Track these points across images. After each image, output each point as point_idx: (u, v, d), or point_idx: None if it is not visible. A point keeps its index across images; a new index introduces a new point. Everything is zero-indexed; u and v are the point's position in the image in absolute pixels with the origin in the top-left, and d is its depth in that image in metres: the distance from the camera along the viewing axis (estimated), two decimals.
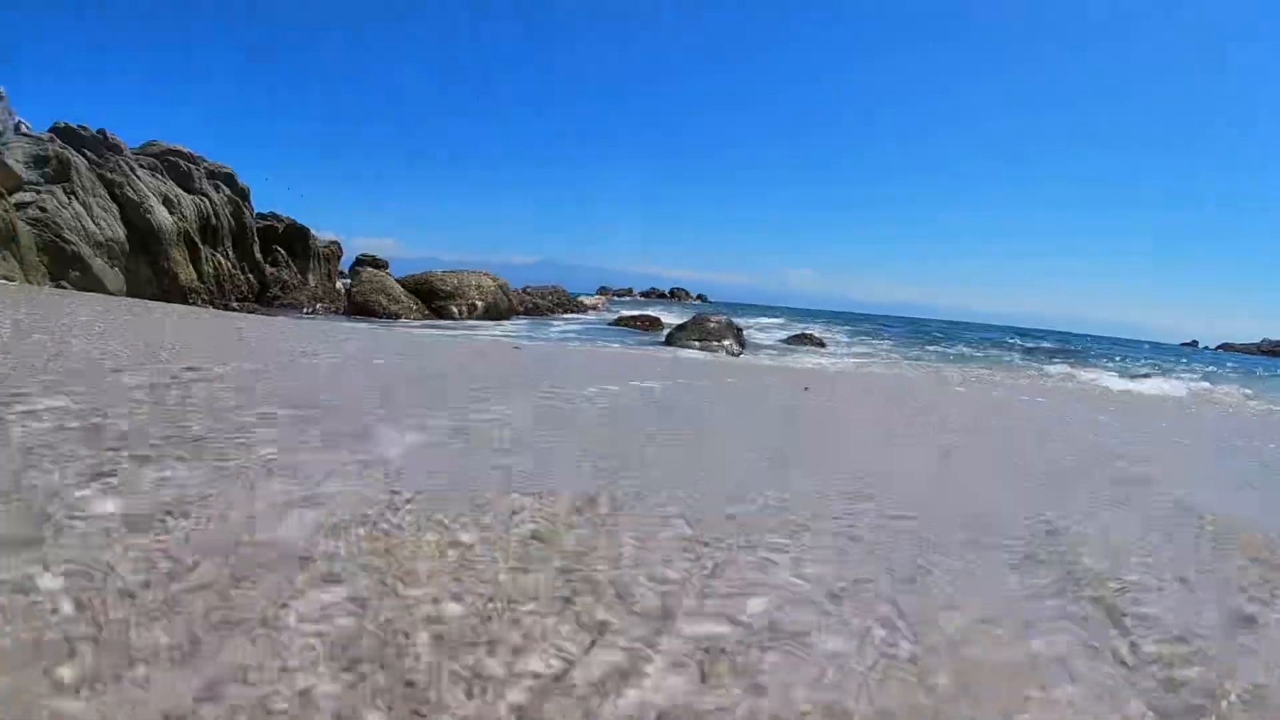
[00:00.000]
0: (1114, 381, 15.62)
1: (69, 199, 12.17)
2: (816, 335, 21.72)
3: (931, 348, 22.05)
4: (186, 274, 15.00)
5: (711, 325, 18.33)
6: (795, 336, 21.51)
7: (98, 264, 12.56)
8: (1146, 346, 39.97)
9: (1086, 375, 16.64)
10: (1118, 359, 22.96)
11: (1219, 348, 49.65)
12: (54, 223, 11.78)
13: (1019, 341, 27.57)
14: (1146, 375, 18.10)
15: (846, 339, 24.15)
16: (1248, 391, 14.76)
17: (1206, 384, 16.67)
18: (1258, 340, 47.70)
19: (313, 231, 21.04)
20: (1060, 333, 48.42)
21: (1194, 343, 54.30)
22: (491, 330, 16.76)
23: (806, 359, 16.23)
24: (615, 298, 36.21)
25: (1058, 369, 18.17)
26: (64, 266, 11.80)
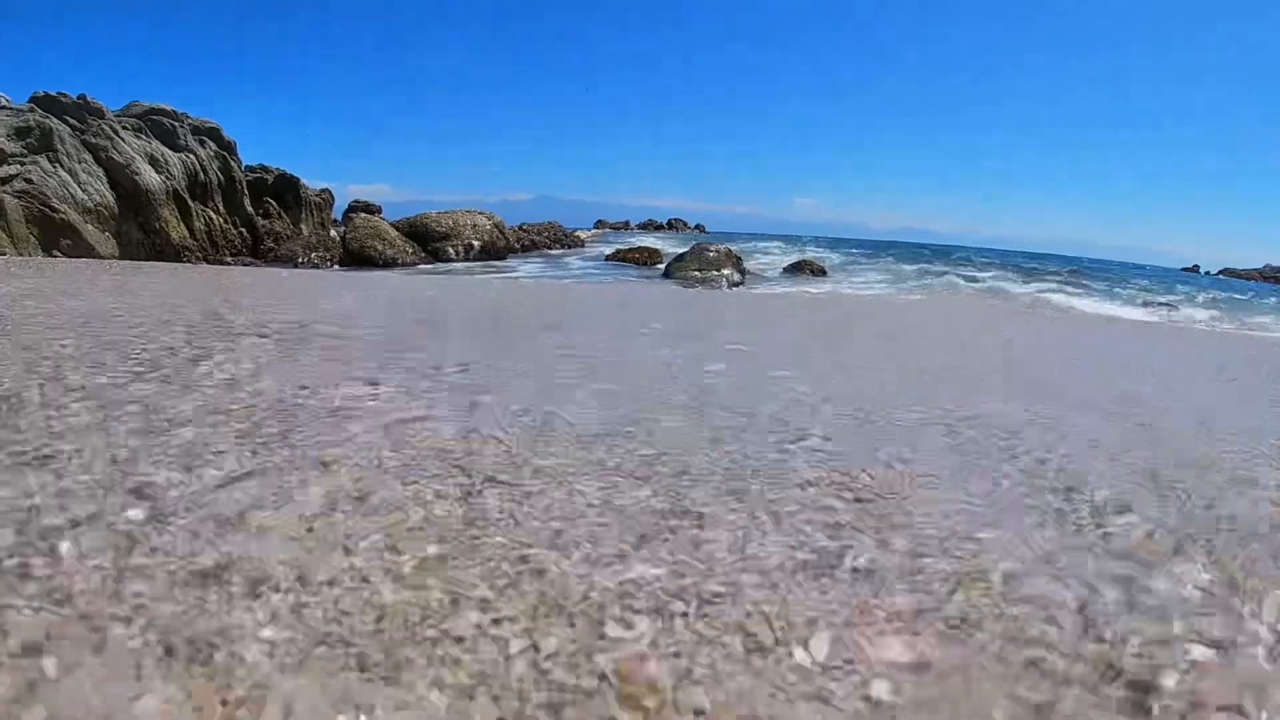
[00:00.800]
0: (1085, 304, 15.87)
1: (54, 167, 12.17)
2: (816, 263, 21.71)
3: (927, 276, 22.10)
4: (178, 232, 15.05)
5: (710, 255, 18.33)
6: (794, 265, 21.50)
7: (89, 230, 12.63)
8: (1147, 270, 39.87)
9: (1060, 299, 17.04)
10: (1103, 284, 22.98)
11: (1220, 272, 49.42)
12: (41, 193, 11.82)
13: (1021, 265, 27.59)
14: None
15: (842, 264, 24.26)
16: (1214, 314, 15.14)
17: (1169, 307, 17.03)
18: (1259, 266, 47.34)
19: (303, 181, 20.94)
20: (1070, 258, 48.15)
21: (1195, 268, 53.95)
22: (518, 270, 16.96)
23: (808, 288, 16.42)
24: (612, 231, 36.03)
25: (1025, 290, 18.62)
26: (54, 236, 11.89)
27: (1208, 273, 50.47)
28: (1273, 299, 22.96)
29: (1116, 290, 21.43)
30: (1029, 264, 28.10)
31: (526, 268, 20.52)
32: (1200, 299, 20.23)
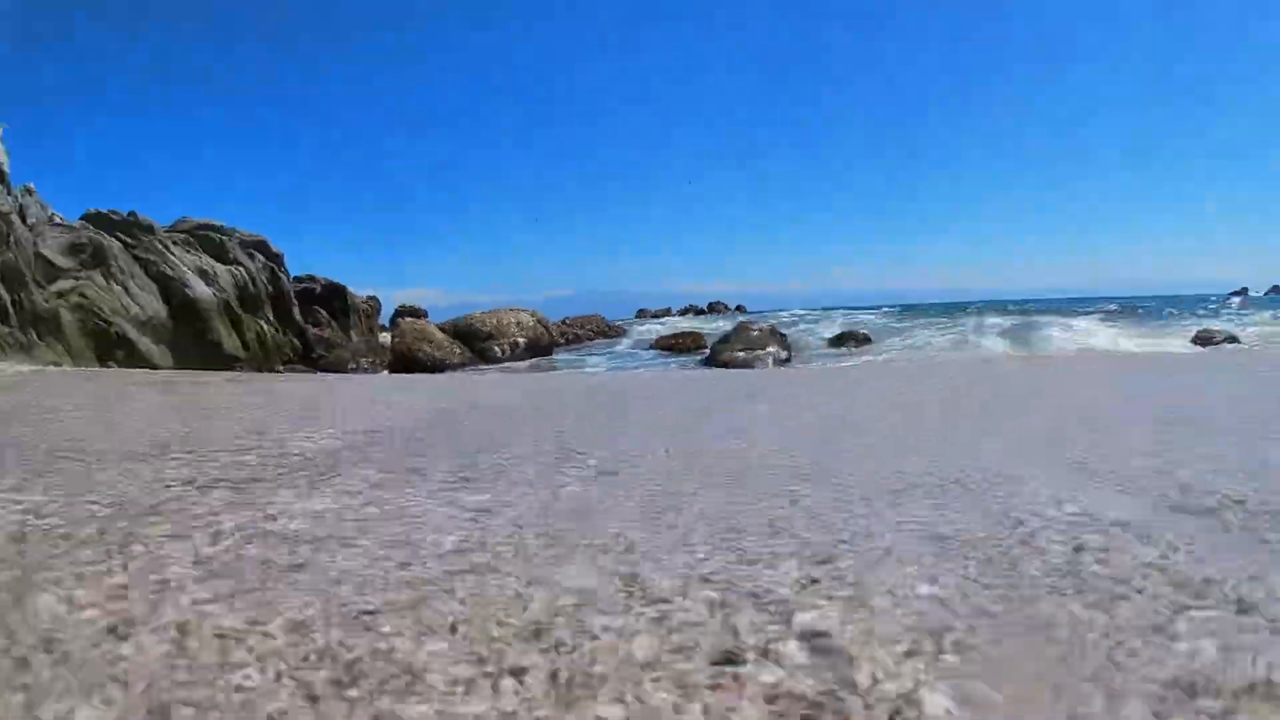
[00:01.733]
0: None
1: (108, 282, 12.42)
2: (858, 332, 21.25)
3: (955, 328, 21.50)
4: (230, 342, 15.21)
5: (754, 334, 17.99)
6: (838, 336, 21.05)
7: (144, 342, 12.77)
8: (1192, 299, 38.78)
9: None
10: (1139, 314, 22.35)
11: (1269, 291, 48.33)
12: (96, 307, 12.02)
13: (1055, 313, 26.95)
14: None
15: (894, 328, 23.71)
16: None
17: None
18: None
19: (350, 289, 21.31)
20: (1122, 297, 47.19)
21: (1244, 290, 52.55)
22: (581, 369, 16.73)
23: (852, 359, 15.91)
24: (654, 319, 36.06)
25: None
26: (109, 348, 12.01)
27: (1256, 293, 49.21)
28: None
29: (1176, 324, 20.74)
30: (1066, 306, 27.34)
31: (577, 360, 20.36)
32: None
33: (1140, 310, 24.58)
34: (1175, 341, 15.09)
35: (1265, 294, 48.03)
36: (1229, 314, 23.51)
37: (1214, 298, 39.52)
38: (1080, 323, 19.56)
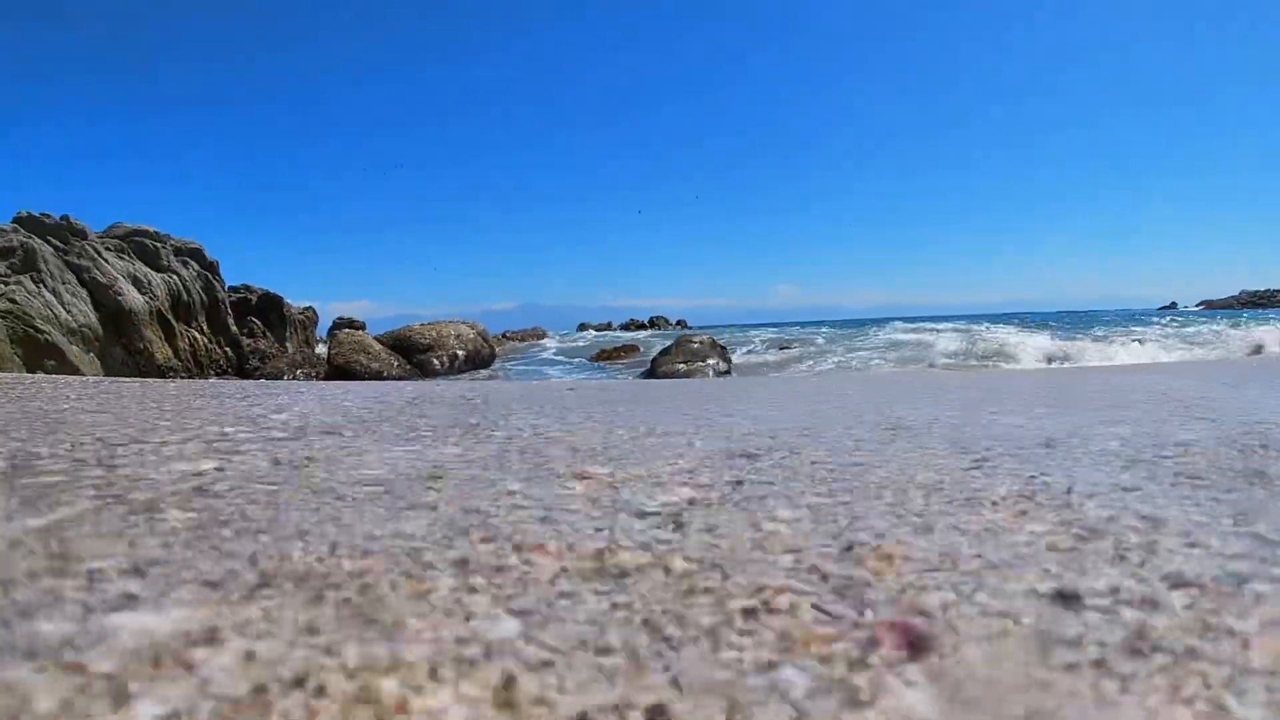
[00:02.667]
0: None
1: (38, 288, 12.13)
2: (795, 344, 21.83)
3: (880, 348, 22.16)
4: (162, 352, 14.93)
5: (695, 346, 18.36)
6: (778, 349, 21.61)
7: (73, 351, 12.49)
8: (1118, 314, 40.34)
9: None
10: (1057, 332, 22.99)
11: (1199, 305, 50.23)
12: (25, 313, 11.73)
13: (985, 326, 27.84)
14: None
15: (823, 343, 24.40)
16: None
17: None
18: (1236, 293, 48.21)
19: (287, 300, 21.04)
20: (1047, 313, 48.84)
21: (1173, 304, 54.85)
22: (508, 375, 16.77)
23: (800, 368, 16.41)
24: (596, 333, 36.29)
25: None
26: (39, 356, 11.73)
27: (1185, 307, 51.20)
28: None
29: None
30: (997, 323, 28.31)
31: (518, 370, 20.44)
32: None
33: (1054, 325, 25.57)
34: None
35: (1195, 306, 49.93)
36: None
37: (1141, 314, 40.97)
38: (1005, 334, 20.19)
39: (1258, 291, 46.47)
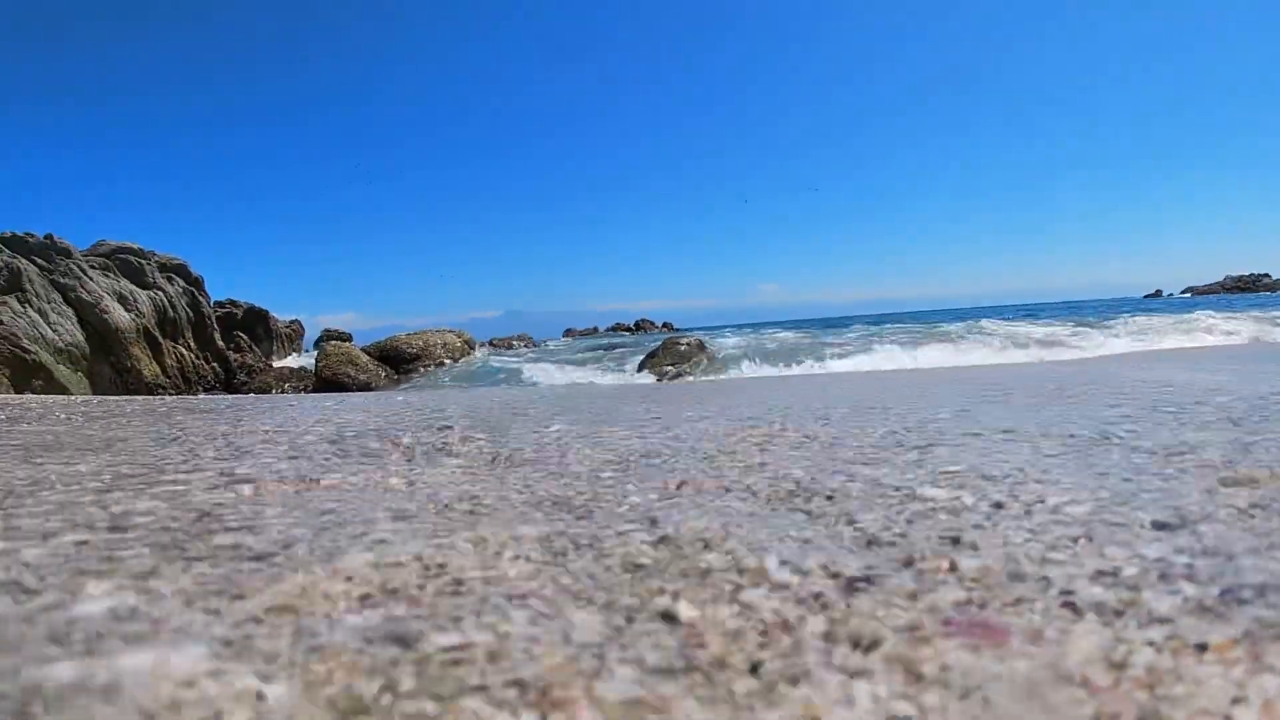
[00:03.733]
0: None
1: (24, 308, 12.07)
2: (780, 344, 21.96)
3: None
4: (150, 369, 14.87)
5: (682, 348, 18.46)
6: (760, 351, 21.73)
7: (61, 370, 12.43)
8: (1104, 305, 40.29)
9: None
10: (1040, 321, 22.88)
11: (1184, 292, 50.13)
12: (11, 334, 11.67)
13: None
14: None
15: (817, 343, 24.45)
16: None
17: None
18: (1220, 278, 48.17)
19: (272, 314, 20.98)
20: (1037, 305, 48.80)
21: (1158, 292, 54.77)
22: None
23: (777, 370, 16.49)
24: (581, 337, 36.29)
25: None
26: (26, 376, 11.67)
27: (1171, 294, 51.07)
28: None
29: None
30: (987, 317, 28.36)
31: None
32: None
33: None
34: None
35: (1180, 293, 49.70)
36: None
37: (1127, 302, 40.63)
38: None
39: (1242, 276, 46.52)
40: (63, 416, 3.09)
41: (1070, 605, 0.75)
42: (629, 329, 41.02)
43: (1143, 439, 1.69)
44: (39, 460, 1.89)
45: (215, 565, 0.93)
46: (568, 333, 38.12)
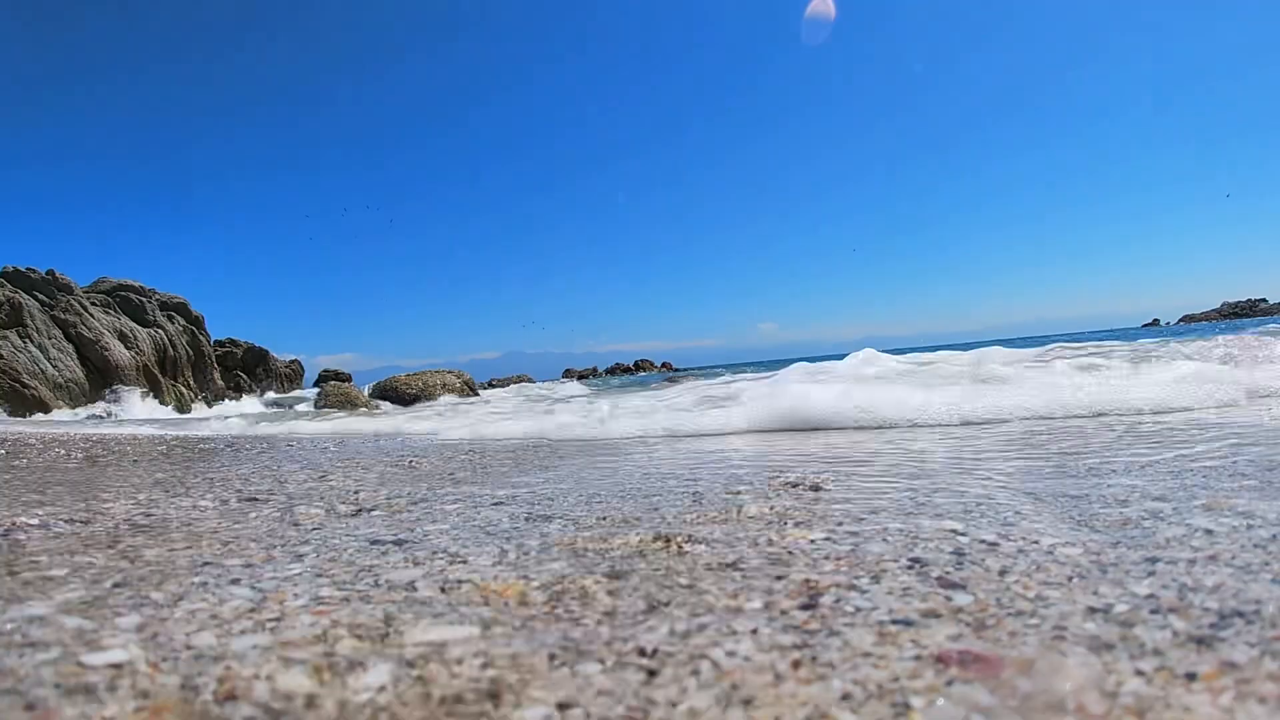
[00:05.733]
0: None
1: (24, 343, 12.10)
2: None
3: None
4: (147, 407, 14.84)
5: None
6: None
7: (60, 406, 12.40)
8: (1103, 336, 40.09)
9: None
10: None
11: (1180, 320, 49.72)
12: (11, 368, 11.68)
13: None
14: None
15: None
16: None
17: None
18: (1218, 305, 47.90)
19: (272, 353, 20.99)
20: (1029, 339, 48.60)
21: (1155, 321, 54.45)
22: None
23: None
24: (580, 379, 36.33)
25: None
26: (25, 410, 11.64)
27: (1168, 323, 50.65)
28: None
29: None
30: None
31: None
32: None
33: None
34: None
35: (1177, 322, 49.35)
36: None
37: (1126, 333, 40.39)
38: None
39: (1239, 303, 46.36)
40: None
41: None
42: (628, 369, 41.17)
43: None
44: None
45: None
46: (567, 373, 38.24)
